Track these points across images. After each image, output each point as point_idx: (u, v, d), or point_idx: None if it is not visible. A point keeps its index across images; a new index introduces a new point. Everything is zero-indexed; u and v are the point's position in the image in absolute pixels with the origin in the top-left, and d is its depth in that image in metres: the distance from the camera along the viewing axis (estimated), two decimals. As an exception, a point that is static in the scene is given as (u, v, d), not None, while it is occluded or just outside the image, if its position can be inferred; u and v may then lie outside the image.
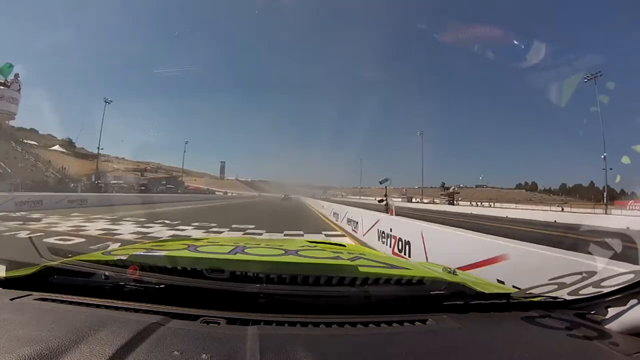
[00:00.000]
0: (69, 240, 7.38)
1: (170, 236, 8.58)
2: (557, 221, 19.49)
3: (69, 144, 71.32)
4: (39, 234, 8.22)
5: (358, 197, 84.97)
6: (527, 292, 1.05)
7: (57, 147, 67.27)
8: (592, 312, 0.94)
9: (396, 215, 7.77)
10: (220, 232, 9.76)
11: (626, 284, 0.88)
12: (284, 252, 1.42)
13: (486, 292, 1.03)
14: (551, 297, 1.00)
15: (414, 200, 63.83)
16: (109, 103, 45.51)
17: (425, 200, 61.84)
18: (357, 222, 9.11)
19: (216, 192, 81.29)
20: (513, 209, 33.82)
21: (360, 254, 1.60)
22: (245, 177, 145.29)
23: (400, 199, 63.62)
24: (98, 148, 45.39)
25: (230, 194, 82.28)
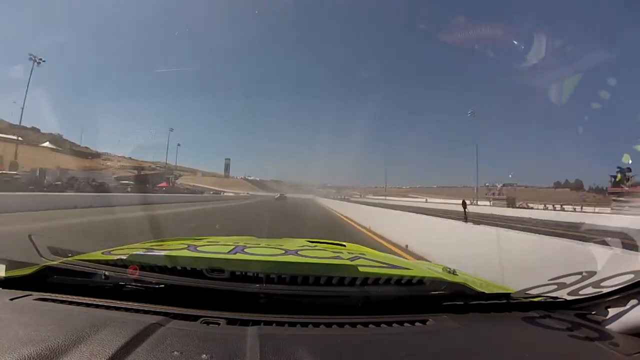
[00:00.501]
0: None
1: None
2: None
3: (60, 141, 71.05)
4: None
5: (383, 197, 71.45)
6: (527, 292, 1.05)
7: (47, 144, 67.46)
8: (593, 313, 0.94)
9: None
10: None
11: (626, 284, 0.88)
12: (284, 252, 1.42)
13: (486, 292, 1.03)
14: (551, 298, 1.00)
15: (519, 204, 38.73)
16: (38, 63, 35.47)
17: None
18: None
19: (205, 192, 67.14)
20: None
21: (360, 253, 1.59)
22: (254, 176, 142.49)
23: (488, 203, 43.55)
24: (19, 124, 37.70)
25: (224, 194, 68.76)
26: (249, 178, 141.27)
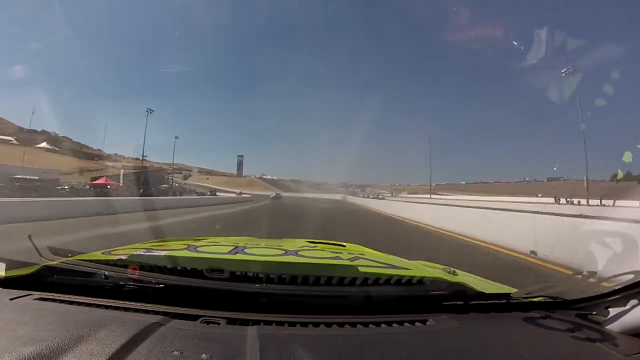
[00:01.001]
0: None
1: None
2: None
3: (59, 141, 71.15)
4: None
5: (428, 196, 57.03)
6: (527, 292, 1.05)
7: (44, 144, 67.76)
8: (593, 313, 0.94)
9: None
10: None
11: (626, 284, 0.88)
12: (284, 252, 1.42)
13: (486, 292, 1.03)
14: (551, 298, 1.00)
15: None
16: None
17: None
18: None
19: (184, 195, 43.62)
20: None
21: (360, 254, 1.59)
22: (271, 175, 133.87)
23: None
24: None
25: (218, 195, 49.89)
26: (265, 177, 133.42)
